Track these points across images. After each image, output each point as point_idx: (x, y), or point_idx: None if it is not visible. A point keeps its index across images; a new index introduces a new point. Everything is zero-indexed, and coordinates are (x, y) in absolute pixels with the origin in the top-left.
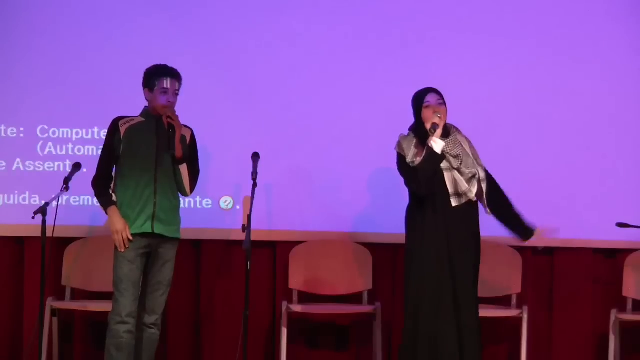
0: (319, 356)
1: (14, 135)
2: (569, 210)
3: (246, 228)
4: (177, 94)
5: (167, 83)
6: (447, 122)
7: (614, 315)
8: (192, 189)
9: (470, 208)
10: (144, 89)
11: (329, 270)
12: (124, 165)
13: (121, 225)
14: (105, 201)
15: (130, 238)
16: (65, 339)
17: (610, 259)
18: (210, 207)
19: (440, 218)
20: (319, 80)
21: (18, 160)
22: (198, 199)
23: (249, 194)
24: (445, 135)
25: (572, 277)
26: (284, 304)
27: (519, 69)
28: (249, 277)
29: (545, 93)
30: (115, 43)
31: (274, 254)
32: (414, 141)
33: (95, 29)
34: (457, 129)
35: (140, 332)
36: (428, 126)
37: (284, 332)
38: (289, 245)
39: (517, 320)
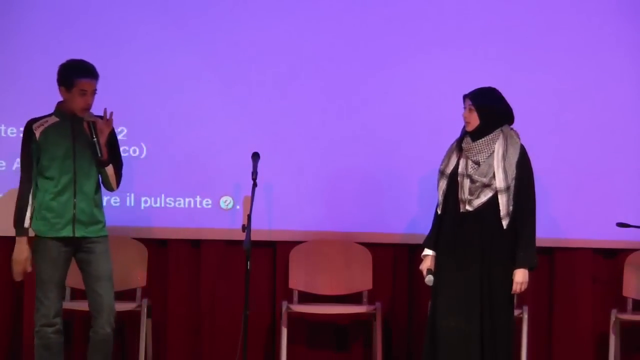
0: (319, 356)
1: (14, 135)
2: (569, 210)
3: (246, 228)
4: (95, 94)
5: (86, 84)
6: (509, 125)
7: (614, 315)
8: (118, 184)
9: (481, 217)
10: (59, 86)
11: (329, 270)
12: (42, 167)
13: (23, 257)
14: (19, 229)
15: (29, 270)
16: (65, 339)
17: (610, 259)
18: (210, 207)
19: (450, 222)
20: (319, 81)
21: (18, 160)
22: (198, 199)
23: (249, 194)
24: (479, 136)
25: (572, 277)
26: (284, 304)
27: (519, 69)
28: (249, 277)
29: (545, 93)
30: (116, 43)
31: (274, 254)
32: (454, 145)
33: (95, 29)
34: (509, 133)
35: (94, 334)
36: None
37: (284, 332)
38: (289, 245)
39: (517, 320)
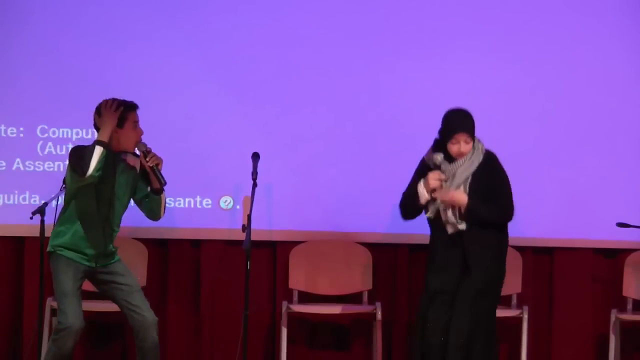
0: (319, 356)
1: (14, 135)
2: (569, 210)
3: (246, 228)
4: None
5: (136, 115)
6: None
7: (614, 315)
8: (164, 212)
9: (461, 236)
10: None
11: (329, 270)
12: (81, 197)
13: (105, 113)
14: (91, 146)
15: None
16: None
17: (610, 259)
18: (210, 207)
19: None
20: (319, 81)
21: (18, 160)
22: (198, 199)
23: (249, 194)
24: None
25: (572, 277)
26: (284, 304)
27: (519, 69)
28: (249, 277)
29: (545, 93)
30: (116, 42)
31: (274, 254)
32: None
33: (95, 29)
34: (487, 157)
35: (144, 342)
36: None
37: (284, 332)
38: (289, 245)
39: (517, 320)
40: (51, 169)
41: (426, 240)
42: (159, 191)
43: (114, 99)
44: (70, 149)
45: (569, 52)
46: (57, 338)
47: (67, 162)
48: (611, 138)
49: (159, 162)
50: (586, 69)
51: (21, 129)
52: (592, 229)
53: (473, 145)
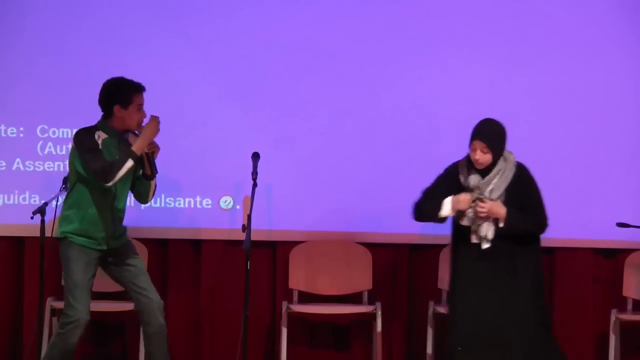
0: (319, 356)
1: (14, 135)
2: (569, 210)
3: (246, 228)
4: None
5: (141, 98)
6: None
7: (614, 315)
8: (152, 197)
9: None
10: (113, 105)
11: (329, 270)
12: (91, 186)
13: (148, 126)
14: (123, 156)
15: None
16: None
17: (610, 259)
18: (210, 207)
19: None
20: (319, 81)
21: (18, 160)
22: (198, 198)
23: (249, 194)
24: (488, 170)
25: (572, 277)
26: (284, 304)
27: (519, 70)
28: (249, 277)
29: (545, 93)
30: (116, 43)
31: (274, 254)
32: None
33: (95, 29)
34: (507, 158)
35: (149, 327)
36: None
37: (284, 332)
38: (289, 245)
39: None
40: (51, 169)
41: (426, 240)
42: (149, 177)
43: (154, 117)
44: (77, 134)
45: (569, 51)
46: (64, 331)
47: (67, 162)
48: (612, 138)
49: (154, 150)
50: (586, 69)
51: (21, 129)
52: (592, 229)
53: (503, 159)
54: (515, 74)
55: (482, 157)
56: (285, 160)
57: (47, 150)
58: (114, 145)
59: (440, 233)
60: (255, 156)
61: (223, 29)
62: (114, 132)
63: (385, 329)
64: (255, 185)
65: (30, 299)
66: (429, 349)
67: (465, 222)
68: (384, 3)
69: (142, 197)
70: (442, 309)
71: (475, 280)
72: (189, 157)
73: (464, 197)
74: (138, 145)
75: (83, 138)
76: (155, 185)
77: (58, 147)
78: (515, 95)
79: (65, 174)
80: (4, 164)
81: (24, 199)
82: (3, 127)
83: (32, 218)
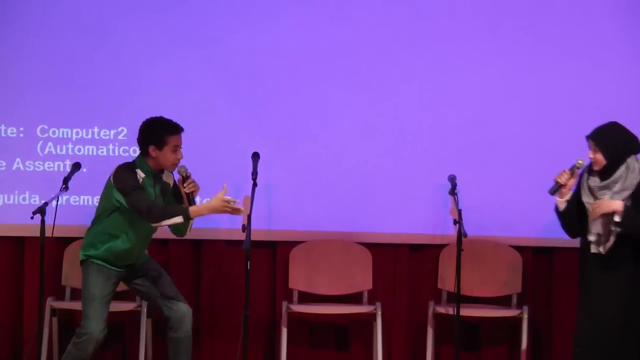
0: (319, 356)
1: (14, 135)
2: None
3: (246, 228)
4: None
5: (178, 140)
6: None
7: None
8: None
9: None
10: (147, 145)
11: (329, 270)
12: (124, 218)
13: (219, 202)
14: (178, 210)
15: (236, 203)
16: (66, 338)
17: None
18: None
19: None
20: (319, 81)
21: (18, 160)
22: (198, 199)
23: (249, 194)
24: (606, 175)
25: (572, 277)
26: (284, 304)
27: (516, 69)
28: (249, 277)
29: (544, 93)
30: (116, 42)
31: (274, 254)
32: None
33: (95, 29)
34: (631, 165)
35: (179, 333)
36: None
37: (284, 332)
38: (289, 245)
39: (517, 320)
40: (51, 169)
41: (426, 240)
42: (189, 216)
43: (226, 200)
44: (119, 171)
45: (566, 50)
46: (78, 342)
47: (67, 162)
48: None
49: (195, 190)
50: (585, 68)
51: (21, 129)
52: None
53: (626, 165)
54: (515, 74)
55: (594, 156)
56: (285, 160)
57: (47, 150)
58: (150, 185)
59: (440, 233)
60: (255, 156)
61: (223, 29)
62: (150, 171)
63: (385, 329)
64: (255, 185)
65: (30, 299)
66: (429, 349)
67: (590, 237)
68: (385, 3)
69: (180, 232)
70: (442, 309)
71: (594, 289)
72: (189, 157)
73: (564, 171)
74: (196, 211)
75: (127, 177)
76: (193, 221)
77: (58, 147)
78: (515, 96)
79: (66, 174)
80: (4, 164)
81: (24, 199)
82: (3, 127)
83: (32, 218)
